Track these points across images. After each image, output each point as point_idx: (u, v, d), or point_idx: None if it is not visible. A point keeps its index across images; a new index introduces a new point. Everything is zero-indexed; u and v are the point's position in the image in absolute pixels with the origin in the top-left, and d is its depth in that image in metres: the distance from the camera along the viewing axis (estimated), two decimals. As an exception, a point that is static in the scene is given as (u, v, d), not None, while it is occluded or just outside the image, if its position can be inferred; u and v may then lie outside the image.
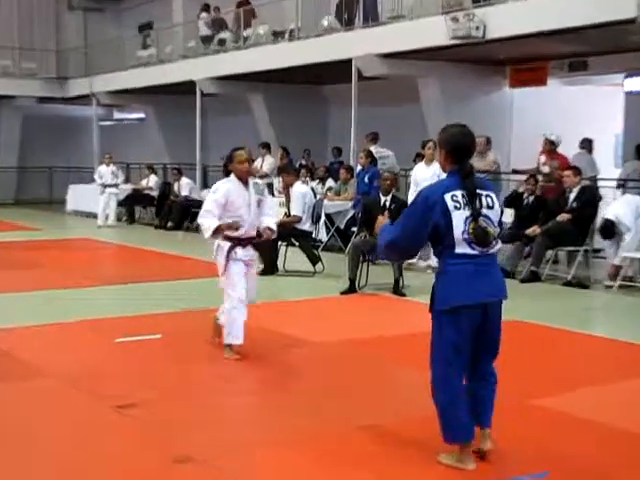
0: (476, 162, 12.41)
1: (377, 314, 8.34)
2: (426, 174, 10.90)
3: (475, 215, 3.92)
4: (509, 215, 10.72)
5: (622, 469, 4.19)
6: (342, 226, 12.65)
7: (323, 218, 11.86)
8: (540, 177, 11.43)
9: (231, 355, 6.14)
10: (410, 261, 10.21)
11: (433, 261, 10.75)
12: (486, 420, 4.11)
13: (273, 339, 6.89)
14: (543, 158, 11.85)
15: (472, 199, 3.93)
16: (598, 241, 10.38)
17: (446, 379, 3.98)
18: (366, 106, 14.66)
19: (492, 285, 4.02)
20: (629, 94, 13.92)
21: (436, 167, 10.97)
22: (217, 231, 5.98)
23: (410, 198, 11.02)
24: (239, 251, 6.07)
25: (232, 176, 6.12)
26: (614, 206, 10.01)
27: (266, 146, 15.60)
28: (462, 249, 3.93)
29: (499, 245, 4.07)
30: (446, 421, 4.01)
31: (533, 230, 10.10)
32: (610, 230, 9.81)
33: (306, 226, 10.45)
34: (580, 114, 14.96)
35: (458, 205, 3.91)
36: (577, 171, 10.26)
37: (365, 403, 5.18)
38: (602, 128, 14.18)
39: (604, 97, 15.18)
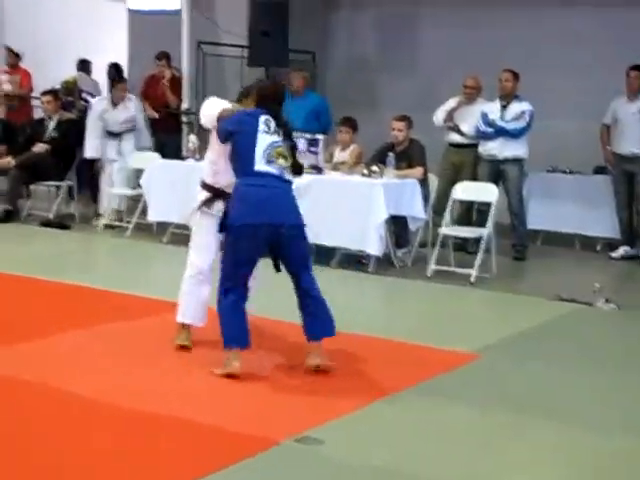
0: None
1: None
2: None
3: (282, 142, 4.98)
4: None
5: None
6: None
7: None
8: None
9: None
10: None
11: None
12: (312, 333, 4.96)
13: None
14: (3, 74, 11.67)
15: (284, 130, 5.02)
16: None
17: (225, 291, 4.89)
18: None
19: (282, 209, 4.92)
20: (134, 13, 13.95)
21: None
22: None
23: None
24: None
25: None
26: None
27: None
28: (260, 167, 4.86)
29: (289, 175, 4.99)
30: (223, 327, 4.94)
31: (8, 162, 9.95)
32: None
33: None
34: (97, 30, 14.83)
35: (267, 129, 4.94)
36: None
37: None
38: (110, 48, 14.20)
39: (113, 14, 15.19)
